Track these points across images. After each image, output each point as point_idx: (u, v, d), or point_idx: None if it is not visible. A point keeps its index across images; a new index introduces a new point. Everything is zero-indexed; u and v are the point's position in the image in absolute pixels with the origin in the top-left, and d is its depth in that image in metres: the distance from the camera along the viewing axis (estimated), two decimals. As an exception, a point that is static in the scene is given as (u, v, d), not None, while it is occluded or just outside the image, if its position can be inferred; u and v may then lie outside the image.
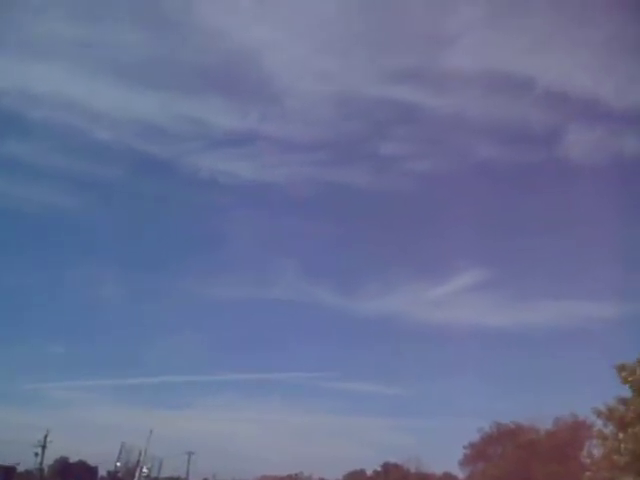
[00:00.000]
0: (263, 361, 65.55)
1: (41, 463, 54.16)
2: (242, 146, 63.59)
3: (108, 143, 60.19)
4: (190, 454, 61.08)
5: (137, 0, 55.94)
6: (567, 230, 57.83)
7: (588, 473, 21.26)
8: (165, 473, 63.79)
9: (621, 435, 19.32)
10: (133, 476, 54.72)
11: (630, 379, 19.33)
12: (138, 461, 55.96)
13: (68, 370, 65.16)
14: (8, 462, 48.46)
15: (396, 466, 57.21)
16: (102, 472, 71.11)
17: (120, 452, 57.87)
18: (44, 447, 53.15)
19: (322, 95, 60.95)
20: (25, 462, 53.63)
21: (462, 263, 60.88)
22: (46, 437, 52.77)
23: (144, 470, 55.35)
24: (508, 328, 61.39)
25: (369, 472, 62.21)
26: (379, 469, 59.35)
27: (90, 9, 58.50)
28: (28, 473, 55.35)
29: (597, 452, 21.54)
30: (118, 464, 59.01)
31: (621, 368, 19.64)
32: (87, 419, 64.32)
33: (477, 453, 46.33)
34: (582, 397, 49.96)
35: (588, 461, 22.19)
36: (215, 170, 63.63)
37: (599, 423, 21.57)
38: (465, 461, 47.55)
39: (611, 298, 53.36)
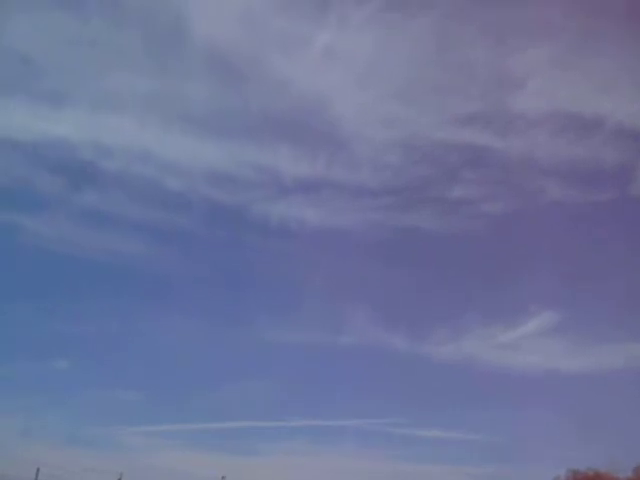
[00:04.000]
0: (335, 407, 64.94)
1: (115, 506, 54.79)
2: (311, 192, 64.31)
3: (180, 192, 61.67)
4: (260, 500, 60.66)
5: (206, 53, 57.82)
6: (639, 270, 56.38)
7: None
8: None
9: None
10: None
11: None
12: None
13: (140, 415, 65.79)
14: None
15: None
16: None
17: (191, 497, 57.89)
18: (117, 491, 53.87)
19: (389, 140, 61.23)
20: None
21: (534, 306, 59.57)
22: (119, 480, 53.56)
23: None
24: (582, 372, 59.43)
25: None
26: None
27: (160, 63, 60.82)
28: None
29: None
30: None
31: None
32: (159, 464, 64.81)
33: (554, 502, 45.00)
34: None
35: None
36: (285, 217, 64.21)
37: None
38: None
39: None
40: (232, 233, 68.68)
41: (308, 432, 67.04)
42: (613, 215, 60.44)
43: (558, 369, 65.46)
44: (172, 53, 62.34)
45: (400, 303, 67.37)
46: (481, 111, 58.85)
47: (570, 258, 63.91)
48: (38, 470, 48.93)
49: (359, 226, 68.81)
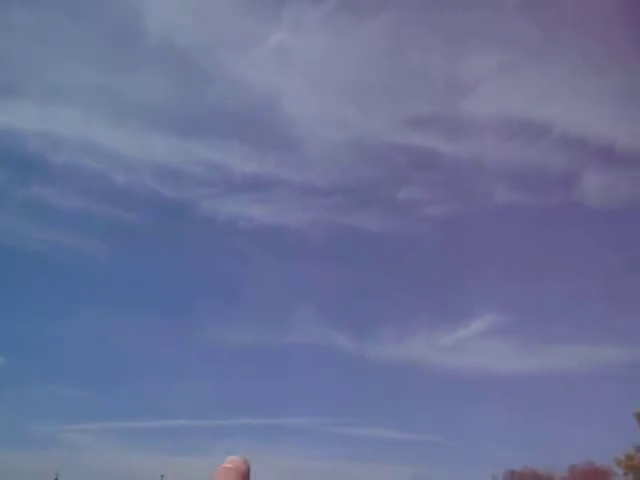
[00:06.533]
0: (278, 406, 64.84)
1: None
2: (260, 190, 64.35)
3: (127, 186, 60.93)
4: (201, 499, 60.24)
5: (159, 49, 57.27)
6: (584, 273, 57.62)
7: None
8: (176, 518, 62.81)
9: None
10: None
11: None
12: (149, 505, 55.28)
13: (82, 413, 64.71)
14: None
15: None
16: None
17: (131, 496, 57.15)
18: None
19: (340, 141, 61.58)
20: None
21: (478, 308, 60.49)
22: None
23: (155, 515, 54.60)
24: (526, 373, 60.52)
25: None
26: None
27: (111, 56, 60.11)
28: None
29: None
30: (129, 508, 58.17)
31: None
32: (97, 463, 63.70)
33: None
34: (602, 444, 49.13)
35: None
36: (233, 214, 63.99)
37: (619, 472, 21.52)
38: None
39: (632, 343, 52.93)
40: (179, 229, 68.30)
41: (250, 431, 66.79)
42: (559, 219, 61.85)
43: (502, 371, 66.66)
44: (124, 47, 61.60)
45: (345, 303, 67.87)
46: (431, 114, 59.66)
47: (516, 260, 65.21)
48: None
49: (307, 225, 69.12)
